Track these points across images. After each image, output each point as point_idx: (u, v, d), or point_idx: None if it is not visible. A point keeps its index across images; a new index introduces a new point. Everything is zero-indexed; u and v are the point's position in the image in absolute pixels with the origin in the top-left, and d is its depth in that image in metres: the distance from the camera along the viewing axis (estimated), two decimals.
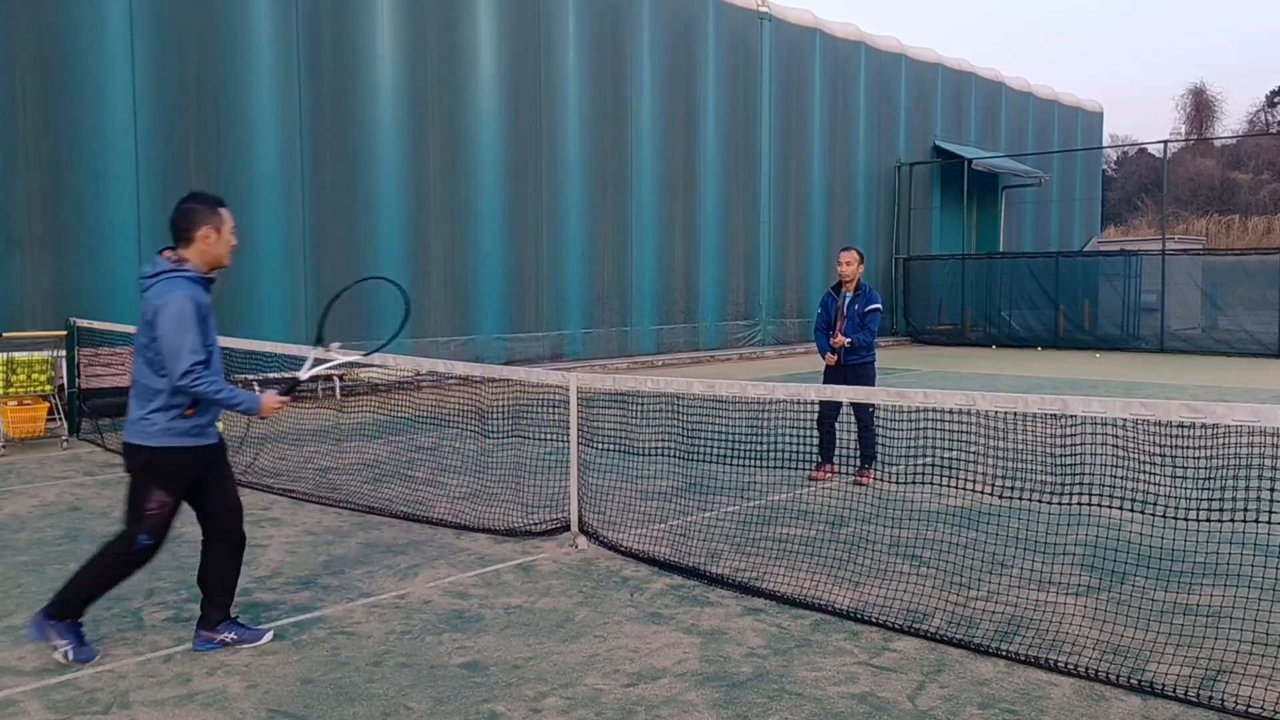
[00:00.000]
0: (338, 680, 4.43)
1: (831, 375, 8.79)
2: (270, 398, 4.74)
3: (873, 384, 8.77)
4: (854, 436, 8.68)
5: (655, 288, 21.22)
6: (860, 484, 8.35)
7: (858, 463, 8.65)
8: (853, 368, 8.65)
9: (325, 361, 5.37)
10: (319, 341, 5.44)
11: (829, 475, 8.62)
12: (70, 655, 4.59)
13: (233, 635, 4.79)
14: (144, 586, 5.80)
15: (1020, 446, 8.31)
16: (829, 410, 8.67)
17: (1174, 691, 4.20)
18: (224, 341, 9.90)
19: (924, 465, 6.55)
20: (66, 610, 4.61)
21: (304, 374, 5.24)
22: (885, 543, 6.58)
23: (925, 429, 6.53)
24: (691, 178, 21.94)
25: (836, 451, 8.76)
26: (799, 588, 5.60)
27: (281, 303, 14.88)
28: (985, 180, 30.24)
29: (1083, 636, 4.86)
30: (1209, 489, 6.40)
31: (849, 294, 8.79)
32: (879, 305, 8.76)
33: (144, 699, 4.24)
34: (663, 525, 7.09)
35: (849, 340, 8.57)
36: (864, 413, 8.51)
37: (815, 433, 8.55)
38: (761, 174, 23.73)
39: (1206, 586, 5.58)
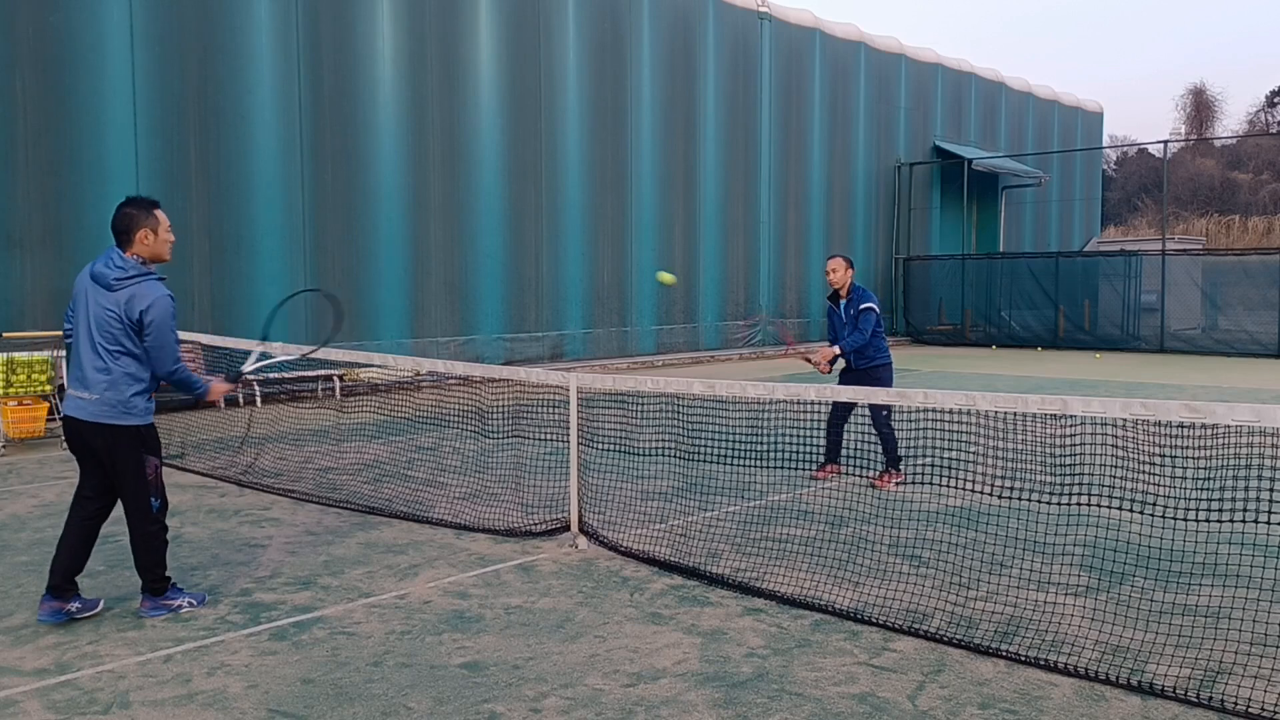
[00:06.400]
0: (338, 680, 4.43)
1: (844, 380, 8.62)
2: (219, 383, 5.50)
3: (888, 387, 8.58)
4: (867, 438, 8.58)
5: (655, 287, 21.20)
6: (875, 486, 8.25)
7: (880, 466, 8.54)
8: (865, 372, 8.51)
9: (268, 358, 5.67)
10: (264, 339, 5.71)
11: (829, 476, 8.58)
12: (196, 602, 5.35)
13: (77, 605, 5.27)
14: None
15: (1020, 446, 8.30)
16: (836, 412, 8.55)
17: (1174, 691, 4.20)
18: (224, 342, 9.99)
19: (924, 465, 6.55)
20: (160, 583, 5.29)
21: (247, 367, 5.66)
22: (885, 543, 6.58)
23: (925, 429, 6.53)
24: (691, 178, 21.93)
25: (842, 454, 8.67)
26: (799, 588, 5.60)
27: None
28: (985, 180, 30.23)
29: (1083, 636, 4.86)
30: (1209, 489, 6.39)
31: (844, 300, 8.72)
32: (870, 304, 8.56)
33: (144, 699, 4.24)
34: (663, 525, 7.09)
35: (837, 350, 8.42)
36: (876, 415, 8.38)
37: (820, 433, 8.49)
38: (761, 174, 23.72)
39: (1206, 586, 5.58)
